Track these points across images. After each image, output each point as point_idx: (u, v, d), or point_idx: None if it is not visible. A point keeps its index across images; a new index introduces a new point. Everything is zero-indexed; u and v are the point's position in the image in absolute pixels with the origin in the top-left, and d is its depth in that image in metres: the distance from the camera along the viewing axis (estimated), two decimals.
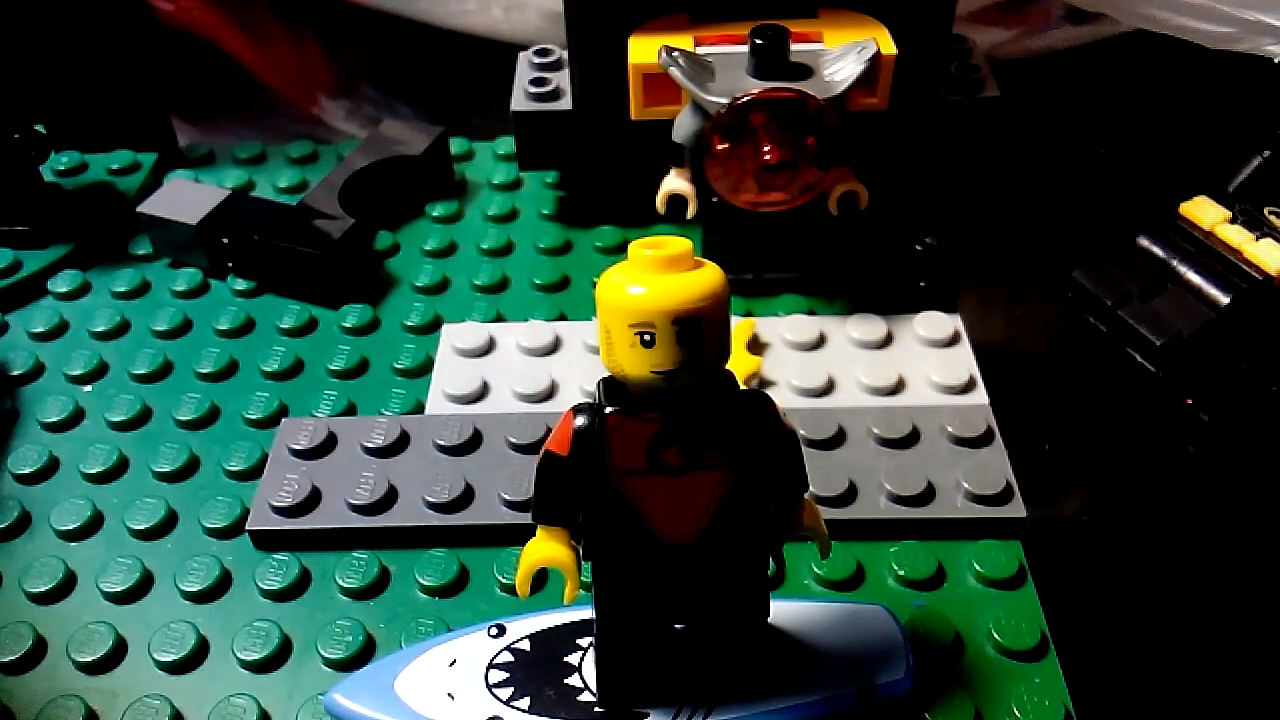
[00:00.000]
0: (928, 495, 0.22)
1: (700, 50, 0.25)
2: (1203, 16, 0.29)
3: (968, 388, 0.24)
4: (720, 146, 0.23)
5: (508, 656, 0.18)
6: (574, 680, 0.18)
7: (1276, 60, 0.28)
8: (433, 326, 0.27)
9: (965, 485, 0.21)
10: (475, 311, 0.28)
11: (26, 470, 0.24)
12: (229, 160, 0.34)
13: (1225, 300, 0.25)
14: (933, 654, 0.19)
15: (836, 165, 0.24)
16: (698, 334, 0.14)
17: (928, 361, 0.25)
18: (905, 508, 0.21)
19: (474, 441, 0.23)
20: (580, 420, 0.16)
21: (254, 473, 0.23)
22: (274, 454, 0.23)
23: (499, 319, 0.28)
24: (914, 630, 0.19)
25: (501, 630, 0.19)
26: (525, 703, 0.18)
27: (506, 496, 0.22)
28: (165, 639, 0.20)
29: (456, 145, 0.34)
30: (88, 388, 0.26)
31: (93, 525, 0.23)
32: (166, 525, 0.22)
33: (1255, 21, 0.28)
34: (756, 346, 0.26)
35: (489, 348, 0.26)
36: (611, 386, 0.16)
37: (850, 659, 0.18)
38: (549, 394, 0.25)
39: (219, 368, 0.26)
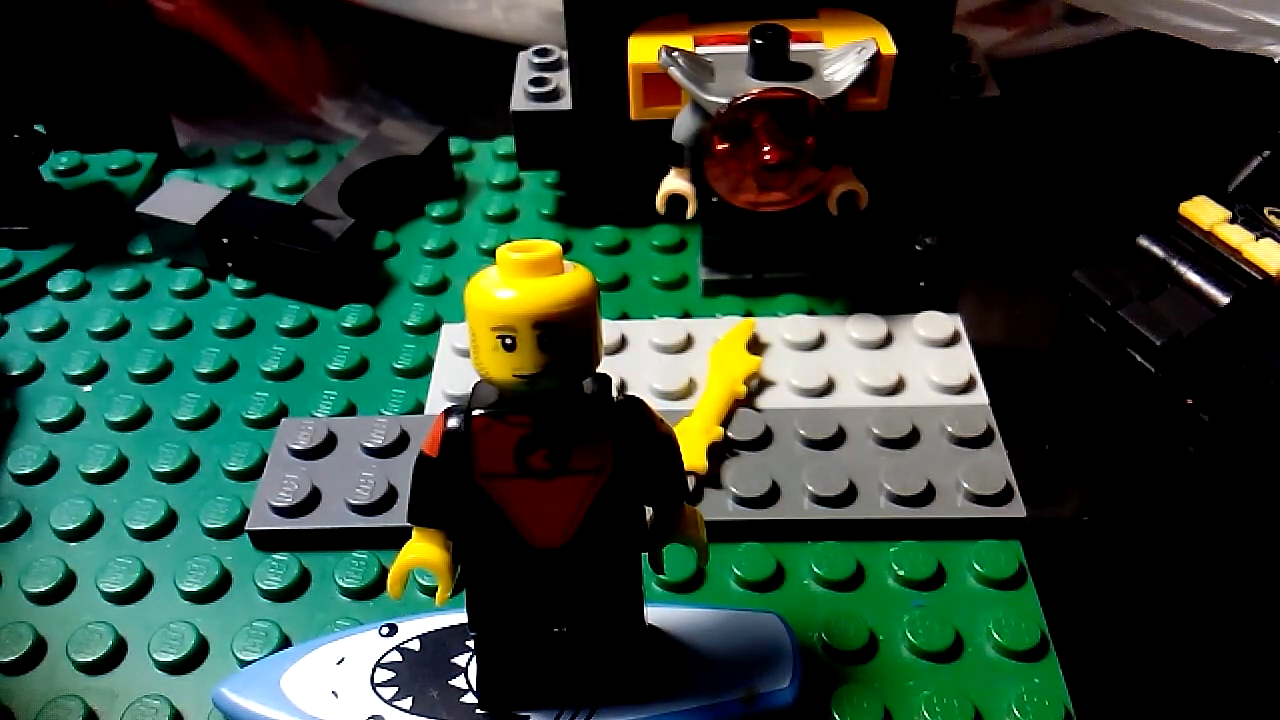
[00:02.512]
0: (928, 495, 0.22)
1: (700, 50, 0.25)
2: (1203, 16, 0.29)
3: (967, 388, 0.24)
4: (720, 146, 0.23)
5: (396, 656, 0.18)
6: (459, 681, 0.18)
7: (1276, 60, 0.28)
8: (433, 326, 0.27)
9: (965, 485, 0.21)
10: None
11: (26, 470, 0.24)
12: (228, 160, 0.34)
13: (1225, 300, 0.25)
14: (932, 654, 0.19)
15: (836, 165, 0.24)
16: (560, 339, 0.14)
17: (928, 361, 0.25)
18: (905, 508, 0.21)
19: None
20: (450, 422, 0.16)
21: (254, 473, 0.23)
22: (274, 454, 0.23)
23: None
24: (913, 631, 0.19)
25: (393, 629, 0.19)
26: (408, 703, 0.18)
27: None
28: (165, 639, 0.20)
29: (456, 145, 0.34)
30: (87, 388, 0.26)
31: (92, 525, 0.23)
32: (166, 525, 0.22)
33: (1255, 21, 0.28)
34: (756, 346, 0.26)
35: None
36: (483, 390, 0.16)
37: (737, 666, 0.18)
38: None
39: (219, 368, 0.26)
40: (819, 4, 0.26)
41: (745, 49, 0.24)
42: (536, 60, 0.30)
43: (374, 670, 0.18)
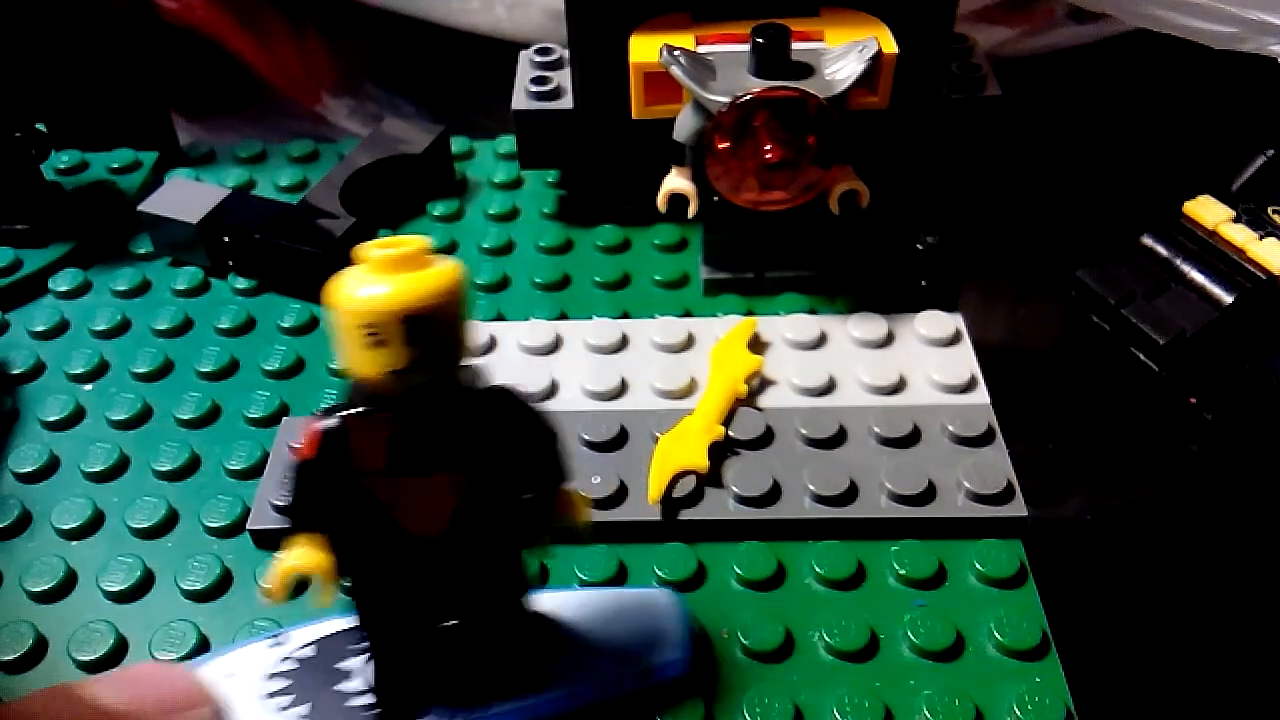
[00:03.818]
0: (929, 494, 0.22)
1: (701, 49, 0.25)
2: (1206, 16, 0.29)
3: (969, 387, 0.24)
4: (721, 145, 0.24)
5: (288, 665, 0.18)
6: (354, 684, 0.18)
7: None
8: None
9: (966, 484, 0.22)
10: (476, 311, 0.28)
11: (27, 469, 0.24)
12: (230, 159, 0.34)
13: (1229, 299, 0.25)
14: (933, 654, 0.19)
15: (837, 164, 0.24)
16: (428, 332, 0.15)
17: (929, 360, 0.25)
18: (906, 507, 0.21)
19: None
20: (325, 423, 0.16)
21: (255, 471, 0.23)
22: (275, 453, 0.23)
23: (499, 318, 0.28)
24: (914, 630, 0.19)
25: (282, 639, 0.19)
26: (304, 709, 0.18)
27: None
28: (166, 638, 0.20)
29: (457, 144, 0.34)
30: (88, 386, 0.26)
31: (93, 524, 0.23)
32: (167, 524, 0.23)
33: (1259, 21, 0.28)
34: (757, 345, 0.26)
35: (489, 347, 0.26)
36: (356, 388, 0.16)
37: (630, 644, 0.19)
38: (550, 393, 0.25)
39: (220, 366, 0.27)
40: (820, 3, 0.26)
41: (747, 48, 0.24)
42: (538, 59, 0.30)
43: (266, 681, 0.18)
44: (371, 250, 0.15)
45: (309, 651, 0.19)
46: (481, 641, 0.18)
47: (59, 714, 0.16)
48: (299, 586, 0.16)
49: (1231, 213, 0.26)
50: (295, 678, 0.18)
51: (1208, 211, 0.27)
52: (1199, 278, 0.26)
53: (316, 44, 0.42)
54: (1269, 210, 0.26)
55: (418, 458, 0.16)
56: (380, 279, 0.15)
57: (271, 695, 0.18)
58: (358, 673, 0.18)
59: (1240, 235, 0.26)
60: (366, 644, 0.18)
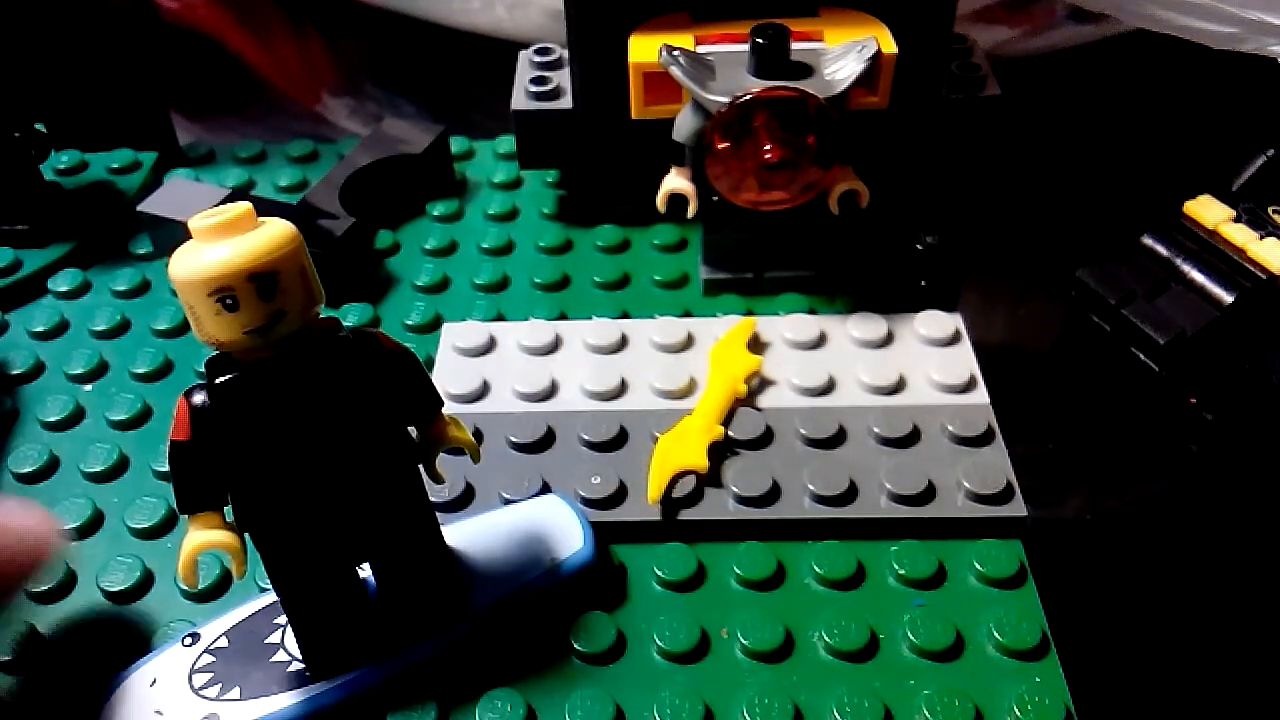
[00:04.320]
0: (928, 494, 0.22)
1: (701, 49, 0.25)
2: (1206, 16, 0.29)
3: (968, 387, 0.24)
4: (721, 145, 0.24)
5: (208, 659, 0.19)
6: (279, 656, 0.19)
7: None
8: (433, 325, 0.28)
9: (966, 484, 0.22)
10: (476, 310, 0.28)
11: (27, 469, 0.24)
12: (229, 159, 0.34)
13: (1229, 299, 0.25)
14: (933, 654, 0.19)
15: (837, 164, 0.24)
16: (276, 285, 0.15)
17: (928, 360, 0.25)
18: (906, 507, 0.21)
19: (474, 440, 0.23)
20: (195, 400, 0.16)
21: None
22: None
23: (499, 318, 0.28)
24: (914, 630, 0.19)
25: (196, 637, 0.19)
26: (236, 693, 0.18)
27: (506, 495, 0.22)
28: (165, 638, 0.20)
29: (457, 144, 0.34)
30: (88, 387, 0.26)
31: (93, 524, 0.23)
32: (167, 524, 0.23)
33: (1259, 22, 0.28)
34: (757, 345, 0.26)
35: (489, 347, 0.26)
36: (217, 361, 0.16)
37: (535, 547, 0.20)
38: (549, 393, 0.25)
39: None
40: (820, 3, 0.26)
41: (746, 48, 0.24)
42: (537, 59, 0.30)
43: (190, 678, 0.18)
44: (201, 220, 0.15)
45: (223, 642, 0.19)
46: (398, 578, 0.18)
47: None
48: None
49: (1232, 212, 0.26)
50: (217, 668, 0.19)
51: (1208, 211, 0.26)
52: (1199, 277, 0.26)
53: (317, 44, 0.42)
54: (1269, 210, 0.26)
55: (300, 410, 0.16)
56: (217, 244, 0.15)
57: (200, 689, 0.18)
58: (282, 644, 0.19)
59: (1240, 235, 0.26)
60: (283, 615, 0.18)
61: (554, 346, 0.26)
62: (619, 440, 0.23)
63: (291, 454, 0.16)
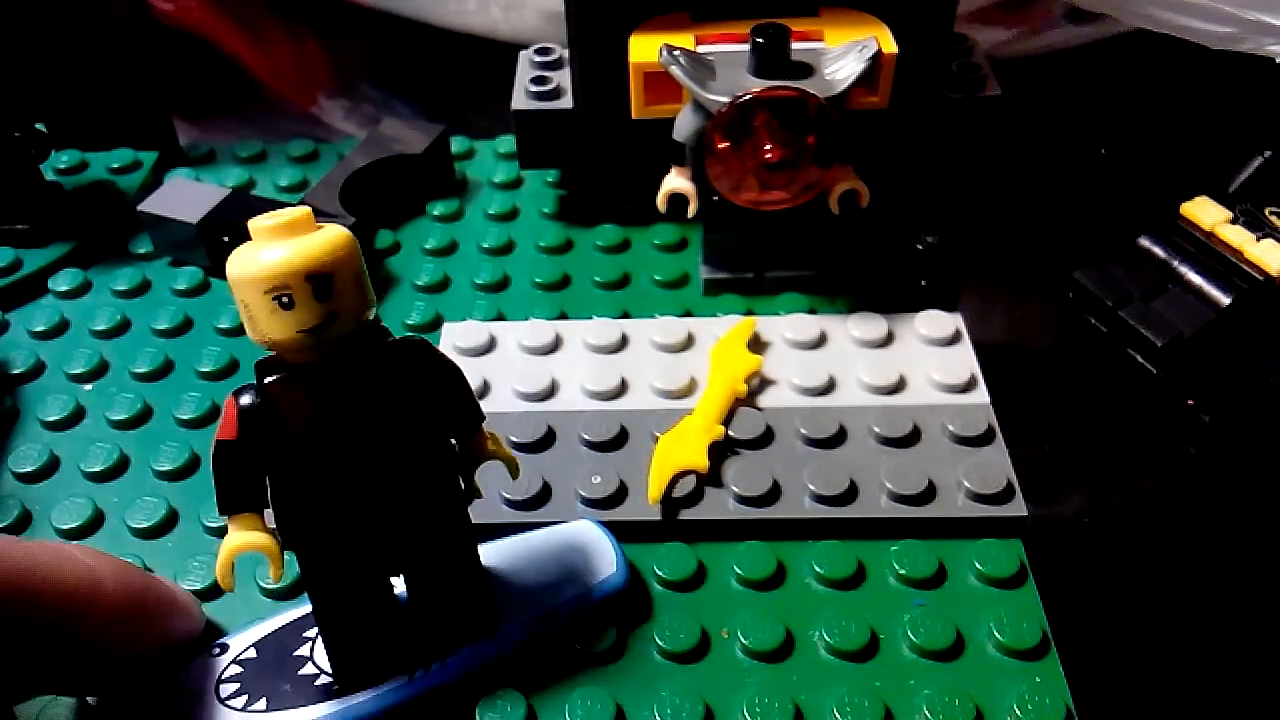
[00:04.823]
0: (929, 494, 0.22)
1: (701, 49, 0.25)
2: (1204, 17, 0.29)
3: (969, 386, 0.24)
4: (721, 145, 0.23)
5: (235, 669, 0.19)
6: (308, 670, 0.19)
7: (1278, 60, 0.28)
8: (433, 325, 0.27)
9: (966, 484, 0.21)
10: (476, 310, 0.28)
11: (27, 469, 0.24)
12: (229, 159, 0.34)
13: (1226, 301, 0.25)
14: (933, 653, 0.19)
15: (837, 164, 0.24)
16: (332, 287, 0.15)
17: (929, 360, 0.25)
18: (906, 507, 0.21)
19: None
20: (244, 400, 0.16)
21: None
22: None
23: (500, 318, 0.28)
24: (914, 630, 0.19)
25: (224, 648, 0.19)
26: (263, 704, 0.18)
27: (507, 495, 0.22)
28: None
29: (457, 144, 0.34)
30: (88, 386, 0.26)
31: (93, 524, 0.23)
32: (167, 524, 0.22)
33: (1257, 22, 0.28)
34: (757, 345, 0.26)
35: (489, 346, 0.26)
36: (266, 362, 0.16)
37: (567, 572, 0.20)
38: (550, 393, 0.25)
39: (219, 366, 0.26)
40: (820, 2, 0.26)
41: (746, 48, 0.24)
42: (538, 59, 0.30)
43: (217, 688, 0.18)
44: (261, 221, 0.16)
45: (251, 653, 0.19)
46: (432, 592, 0.18)
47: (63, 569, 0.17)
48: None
49: (1229, 214, 0.26)
50: (244, 679, 0.19)
51: (1205, 213, 0.26)
52: (1196, 279, 0.26)
53: (312, 45, 0.42)
54: (1266, 211, 0.26)
55: (347, 413, 0.16)
56: (276, 244, 0.15)
57: (226, 699, 0.18)
58: (311, 657, 0.19)
59: (1237, 236, 0.26)
60: (314, 629, 0.18)
61: (554, 346, 0.26)
62: (619, 440, 0.23)
63: (335, 457, 0.16)
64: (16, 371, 0.27)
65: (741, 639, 0.19)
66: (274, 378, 0.16)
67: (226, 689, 0.18)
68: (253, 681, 0.18)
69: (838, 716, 0.18)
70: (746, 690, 0.19)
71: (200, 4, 0.42)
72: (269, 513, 0.17)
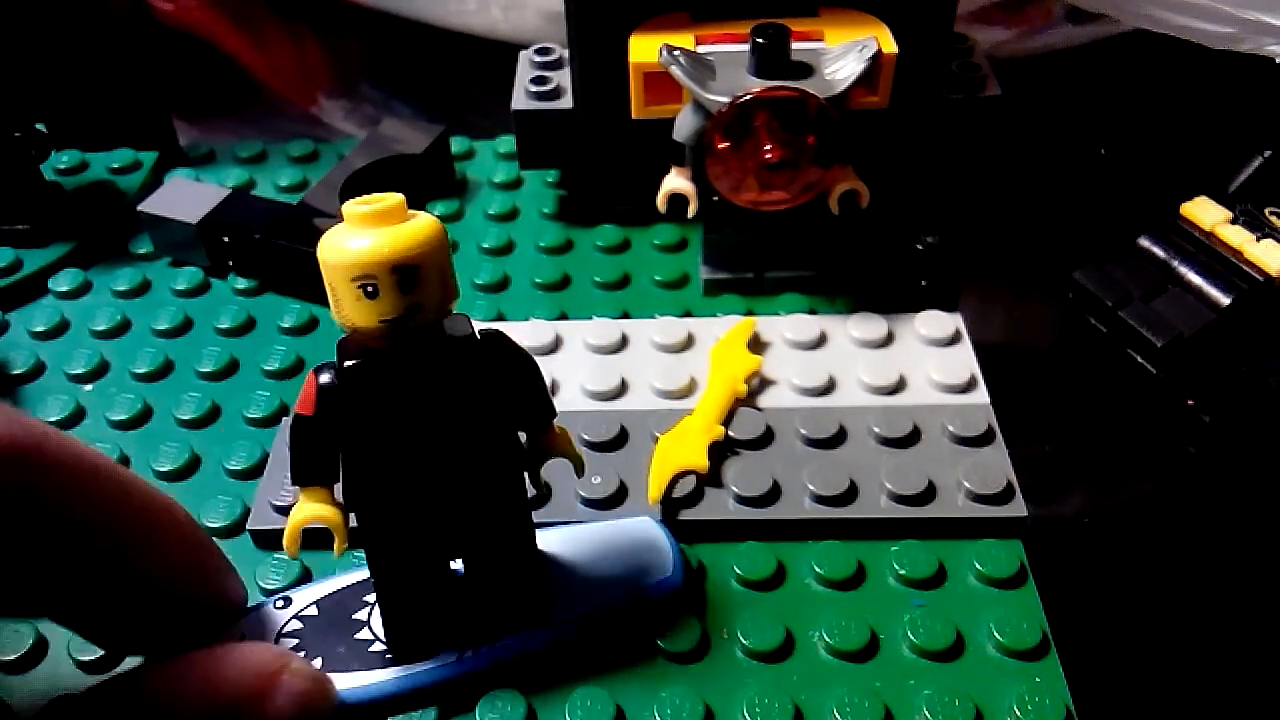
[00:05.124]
0: (929, 494, 0.21)
1: (701, 49, 0.25)
2: (1204, 17, 0.28)
3: (969, 387, 0.24)
4: (721, 145, 0.23)
5: (296, 624, 0.19)
6: (364, 634, 0.19)
7: (1277, 60, 0.28)
8: None
9: (966, 484, 0.21)
10: (475, 310, 0.28)
11: None
12: (229, 159, 0.34)
13: (1226, 301, 0.25)
14: (933, 654, 0.19)
15: (837, 164, 0.24)
16: (417, 279, 0.15)
17: (929, 360, 0.25)
18: (906, 507, 0.21)
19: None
20: (323, 378, 0.16)
21: (255, 472, 0.23)
22: (275, 453, 0.23)
23: (500, 318, 0.27)
24: (914, 630, 0.19)
25: (288, 601, 0.19)
26: (319, 662, 0.18)
27: None
28: None
29: (457, 144, 0.33)
30: (88, 387, 0.26)
31: None
32: None
33: (1256, 22, 0.28)
34: (757, 345, 0.25)
35: None
36: (347, 343, 0.17)
37: (624, 567, 0.20)
38: (550, 393, 0.24)
39: (220, 366, 0.26)
40: (820, 3, 0.26)
41: (746, 48, 0.24)
42: (538, 59, 0.30)
43: (278, 639, 0.19)
44: (354, 206, 0.15)
45: (313, 610, 0.19)
46: (489, 577, 0.18)
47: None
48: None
49: (1228, 214, 0.26)
50: (304, 635, 0.19)
51: (1205, 213, 0.26)
52: (1196, 279, 0.26)
53: (312, 45, 0.42)
54: (1266, 211, 0.26)
55: (417, 401, 0.16)
56: (367, 232, 0.15)
57: None
58: (368, 622, 0.19)
59: (1237, 237, 0.26)
60: (373, 594, 0.18)
61: (554, 346, 0.26)
62: (619, 440, 0.23)
63: (406, 443, 0.17)
64: (17, 372, 0.26)
65: (741, 639, 0.19)
66: (352, 361, 0.16)
67: (286, 642, 0.19)
68: (311, 638, 0.19)
69: (838, 717, 0.18)
70: (746, 690, 0.19)
71: (200, 4, 0.42)
72: (339, 487, 0.17)
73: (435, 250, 0.16)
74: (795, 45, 0.24)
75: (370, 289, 0.15)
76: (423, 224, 0.16)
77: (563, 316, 0.27)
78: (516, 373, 0.17)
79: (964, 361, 0.24)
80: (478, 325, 0.17)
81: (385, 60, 0.41)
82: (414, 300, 0.15)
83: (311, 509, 0.17)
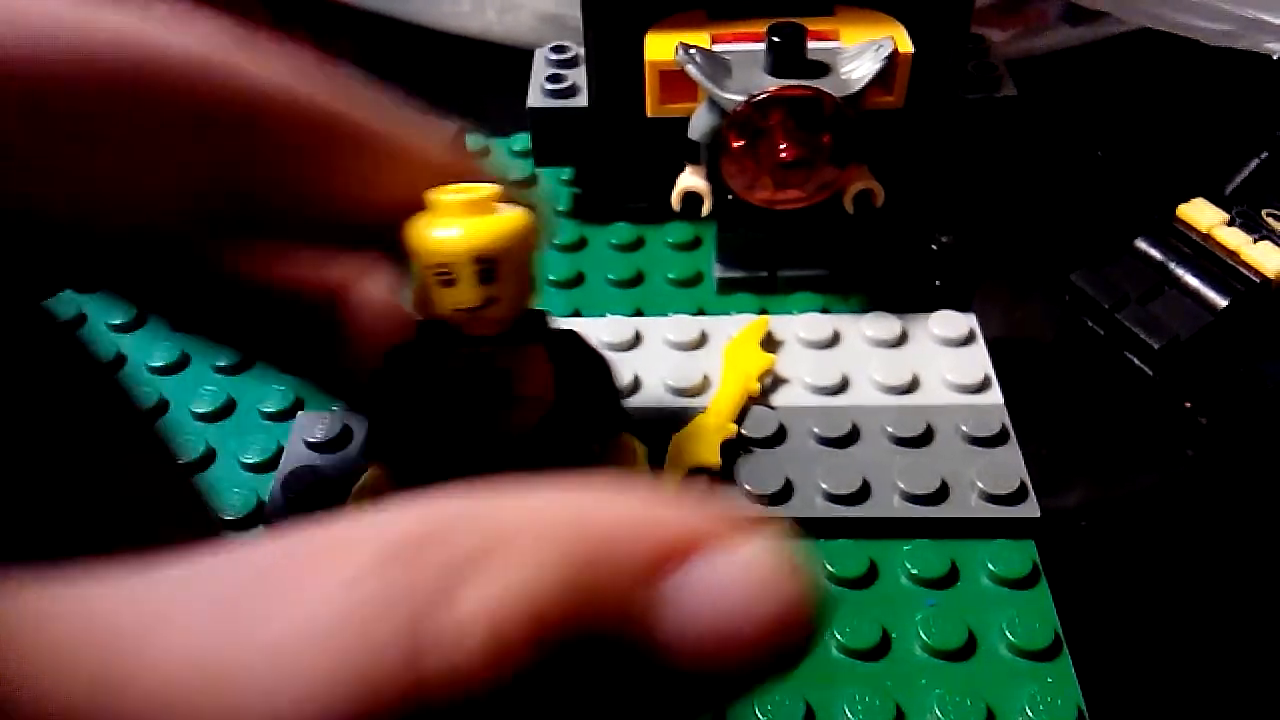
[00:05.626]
0: (941, 494, 0.20)
1: (717, 47, 0.23)
2: (1203, 14, 0.27)
3: (982, 387, 0.23)
4: (736, 144, 0.22)
5: None
6: None
7: (1275, 57, 0.27)
8: None
9: (979, 484, 0.20)
10: None
11: None
12: None
13: (1223, 303, 0.24)
14: (945, 653, 0.18)
15: (853, 163, 0.23)
16: (496, 273, 0.14)
17: (942, 360, 0.24)
18: (919, 506, 0.20)
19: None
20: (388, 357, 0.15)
21: (270, 465, 0.22)
22: (290, 447, 0.22)
23: None
24: (925, 630, 0.18)
25: None
26: None
27: None
28: None
29: (471, 142, 0.32)
30: None
31: None
32: None
33: (1254, 19, 0.27)
34: (770, 344, 0.24)
35: None
36: (427, 325, 0.15)
37: None
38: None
39: (236, 361, 0.25)
40: (836, 1, 0.24)
41: (762, 46, 0.22)
42: (553, 57, 0.29)
43: None
44: (445, 194, 0.14)
45: None
46: None
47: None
48: None
49: (1225, 216, 0.25)
50: None
51: (1201, 215, 0.25)
52: (1193, 281, 0.25)
53: (309, 47, 0.40)
54: (1263, 213, 0.25)
55: (496, 394, 0.15)
56: (451, 221, 0.14)
57: None
58: None
59: (1234, 239, 0.25)
60: None
61: None
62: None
63: (472, 439, 0.15)
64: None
65: None
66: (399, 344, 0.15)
67: None
68: None
69: (849, 715, 0.17)
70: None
71: (194, 6, 0.39)
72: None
73: (518, 245, 0.14)
74: (811, 44, 0.22)
75: (449, 277, 0.14)
76: (511, 216, 0.15)
77: (576, 314, 0.26)
78: (589, 370, 0.16)
79: (978, 361, 0.23)
80: (555, 321, 0.16)
81: (380, 63, 0.39)
82: (491, 293, 0.14)
83: (372, 479, 0.16)
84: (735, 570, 0.08)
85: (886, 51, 0.22)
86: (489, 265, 0.14)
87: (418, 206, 0.14)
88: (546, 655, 0.07)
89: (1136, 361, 0.25)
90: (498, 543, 0.08)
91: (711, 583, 0.08)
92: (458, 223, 0.14)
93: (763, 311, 0.26)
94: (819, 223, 0.25)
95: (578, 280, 0.27)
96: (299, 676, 0.07)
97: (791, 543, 0.08)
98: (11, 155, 0.10)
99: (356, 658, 0.07)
